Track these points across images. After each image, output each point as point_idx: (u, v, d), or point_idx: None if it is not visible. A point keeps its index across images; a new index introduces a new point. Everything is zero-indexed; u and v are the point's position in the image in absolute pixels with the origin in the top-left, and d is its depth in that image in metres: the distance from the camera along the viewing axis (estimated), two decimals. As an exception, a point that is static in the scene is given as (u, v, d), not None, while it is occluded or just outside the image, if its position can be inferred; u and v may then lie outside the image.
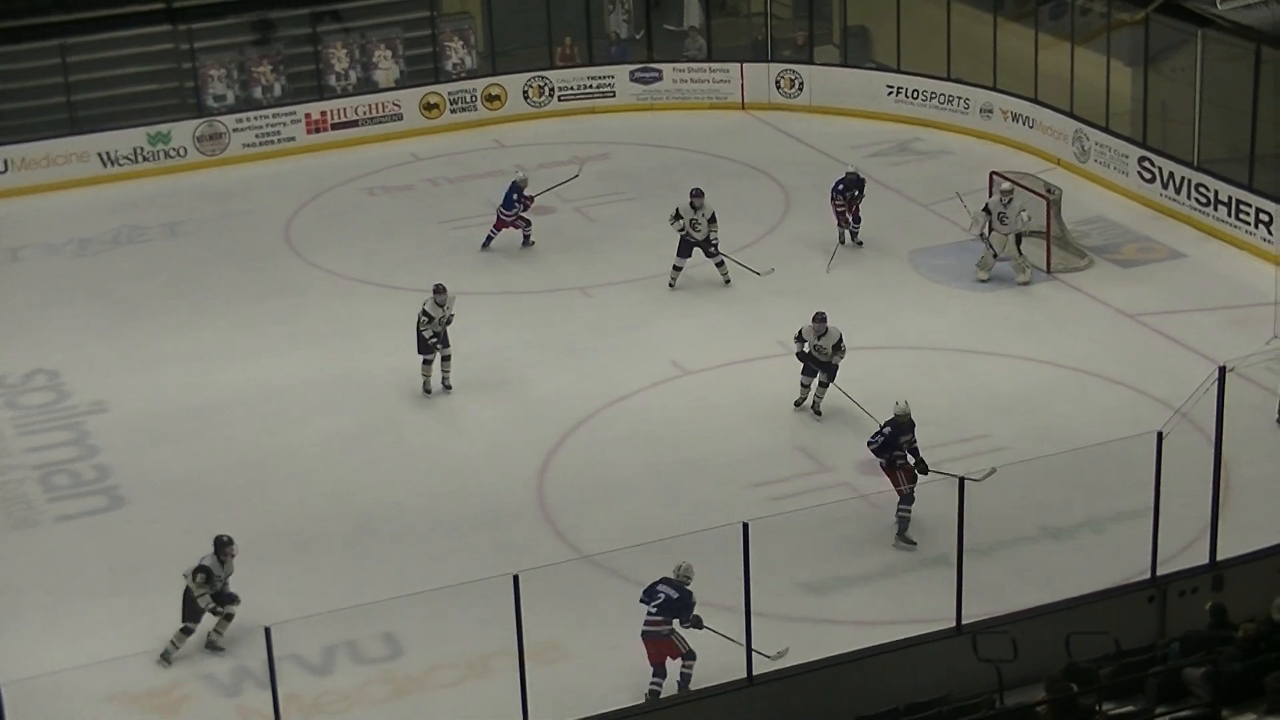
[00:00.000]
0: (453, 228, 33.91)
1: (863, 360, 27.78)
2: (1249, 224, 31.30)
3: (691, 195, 30.62)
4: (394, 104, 39.17)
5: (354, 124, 38.88)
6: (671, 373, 27.89)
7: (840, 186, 31.71)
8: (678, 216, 30.59)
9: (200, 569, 21.25)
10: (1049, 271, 30.74)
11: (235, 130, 38.13)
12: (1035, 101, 36.31)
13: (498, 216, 32.48)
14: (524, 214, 32.45)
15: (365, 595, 20.91)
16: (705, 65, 40.52)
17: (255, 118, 38.41)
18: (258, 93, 39.24)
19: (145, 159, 37.51)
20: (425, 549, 23.28)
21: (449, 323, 27.15)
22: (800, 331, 26.22)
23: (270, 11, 39.98)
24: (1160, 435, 19.98)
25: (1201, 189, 32.34)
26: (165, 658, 21.29)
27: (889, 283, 30.76)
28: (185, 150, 37.74)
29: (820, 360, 26.17)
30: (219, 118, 38.23)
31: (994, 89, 37.23)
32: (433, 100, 39.44)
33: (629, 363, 28.18)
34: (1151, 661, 18.79)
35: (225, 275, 32.26)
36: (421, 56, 40.40)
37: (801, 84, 39.73)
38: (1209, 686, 17.97)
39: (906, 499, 23.11)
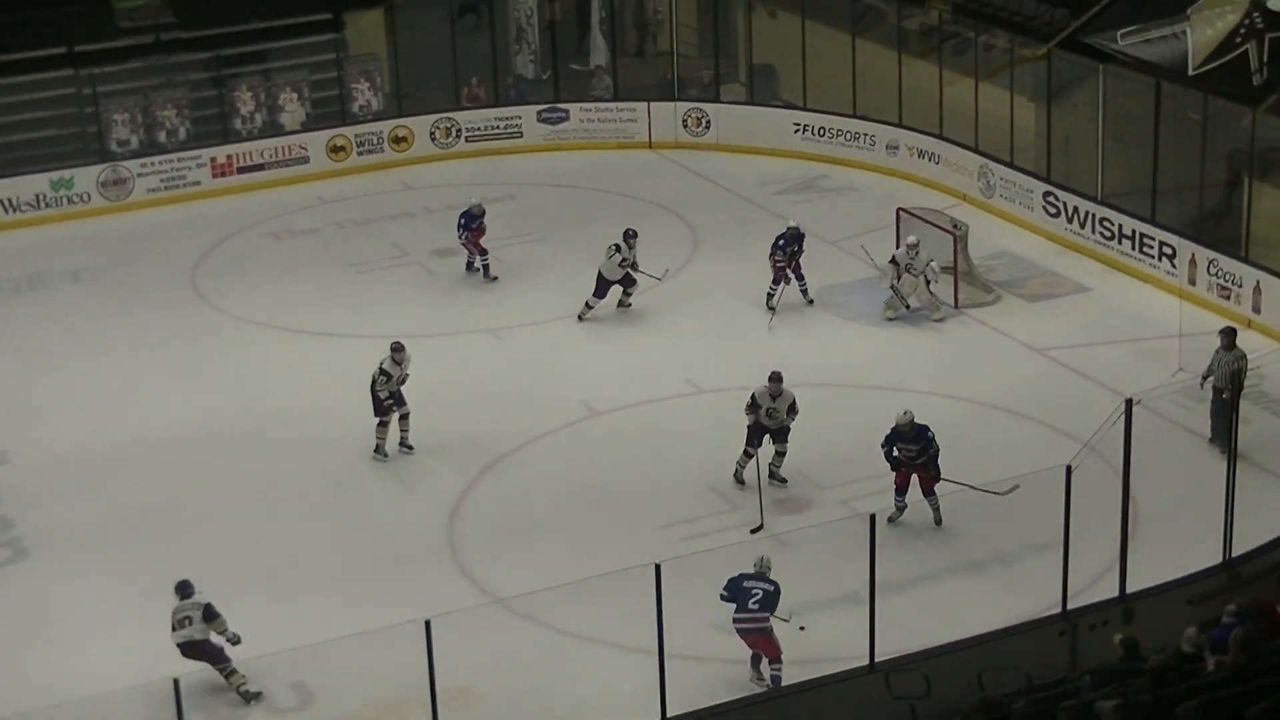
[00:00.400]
0: (360, 271, 33.77)
1: (772, 398, 27.91)
2: (1152, 257, 31.55)
3: (628, 235, 30.90)
4: (300, 146, 39.02)
5: (260, 167, 38.70)
6: (582, 414, 27.83)
7: (780, 242, 31.00)
8: (618, 251, 30.79)
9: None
10: (956, 306, 30.89)
11: (139, 175, 37.87)
12: (940, 137, 36.53)
13: (466, 242, 32.82)
14: (475, 242, 32.73)
15: (274, 643, 20.70)
16: (612, 105, 40.58)
17: (160, 162, 38.16)
18: (162, 137, 39.03)
19: (48, 205, 37.20)
20: (335, 594, 23.09)
21: (404, 382, 26.79)
22: (753, 397, 25.02)
23: (174, 55, 39.81)
24: (1069, 469, 20.10)
25: (1105, 223, 32.59)
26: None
27: (797, 319, 30.80)
28: (89, 196, 37.45)
29: (771, 427, 25.19)
30: (123, 162, 37.97)
31: (900, 125, 37.43)
32: (339, 142, 39.31)
33: (539, 404, 28.10)
34: (1063, 695, 18.81)
35: (130, 321, 31.99)
36: (328, 99, 40.29)
37: (708, 122, 39.84)
38: (1121, 718, 18.02)
39: (927, 494, 23.85)
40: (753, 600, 20.59)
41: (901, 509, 24.10)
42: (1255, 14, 32.57)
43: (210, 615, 21.09)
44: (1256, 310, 29.39)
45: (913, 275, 30.44)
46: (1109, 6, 35.84)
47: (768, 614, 20.50)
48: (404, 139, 39.81)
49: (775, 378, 25.07)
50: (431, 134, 39.98)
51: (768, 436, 25.16)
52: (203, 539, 24.68)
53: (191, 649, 21.14)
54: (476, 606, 22.15)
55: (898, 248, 31.04)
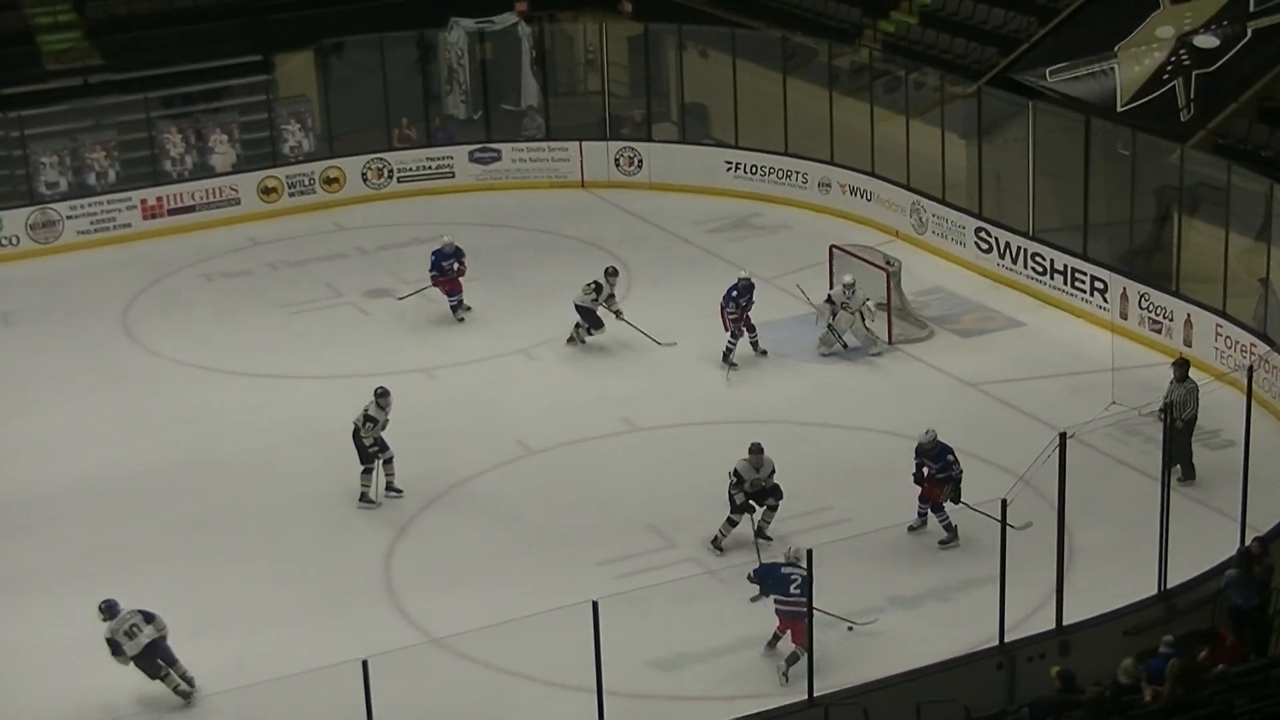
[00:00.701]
0: (293, 312, 33.65)
1: (704, 433, 27.92)
2: (1084, 292, 31.74)
3: (609, 273, 31.21)
4: (231, 188, 38.89)
5: (191, 209, 38.54)
6: (518, 452, 27.78)
7: (733, 294, 30.48)
8: (595, 290, 30.94)
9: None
10: (890, 342, 30.97)
11: (69, 218, 37.65)
12: (872, 175, 36.69)
13: (439, 281, 32.61)
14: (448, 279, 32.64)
15: (213, 685, 20.59)
16: (544, 144, 40.61)
17: (89, 204, 37.97)
18: (91, 179, 38.88)
19: (-24, 248, 37.02)
20: (273, 635, 22.96)
21: (385, 427, 26.58)
22: (736, 473, 24.40)
23: (103, 97, 39.66)
24: (1004, 503, 20.18)
25: (1037, 258, 32.77)
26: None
27: (735, 360, 30.81)
28: (17, 239, 37.21)
29: (756, 492, 24.62)
30: (52, 205, 37.74)
31: (831, 163, 37.58)
32: (271, 184, 39.20)
33: (475, 443, 28.03)
34: (1002, 728, 18.91)
35: (61, 365, 31.77)
36: (259, 140, 40.21)
37: (641, 161, 39.90)
38: (1058, 751, 18.10)
39: (936, 509, 24.36)
40: (794, 586, 21.12)
41: (923, 518, 24.57)
42: (1182, 51, 32.96)
43: (150, 616, 21.46)
44: (1188, 344, 29.59)
45: (849, 313, 30.54)
46: (1037, 44, 36.24)
47: (806, 598, 20.58)
48: (336, 180, 39.73)
49: (756, 449, 24.61)
50: (363, 174, 39.91)
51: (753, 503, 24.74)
52: (139, 581, 24.41)
53: (151, 652, 21.33)
54: (413, 646, 22.02)
55: (832, 286, 31.13)
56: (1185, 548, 22.02)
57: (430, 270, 32.50)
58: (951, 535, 24.37)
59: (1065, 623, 21.03)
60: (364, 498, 26.38)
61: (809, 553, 19.35)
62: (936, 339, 31.35)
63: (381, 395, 26.58)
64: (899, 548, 23.84)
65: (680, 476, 26.69)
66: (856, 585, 23.04)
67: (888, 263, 31.78)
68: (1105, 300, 31.22)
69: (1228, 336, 28.88)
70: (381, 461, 26.47)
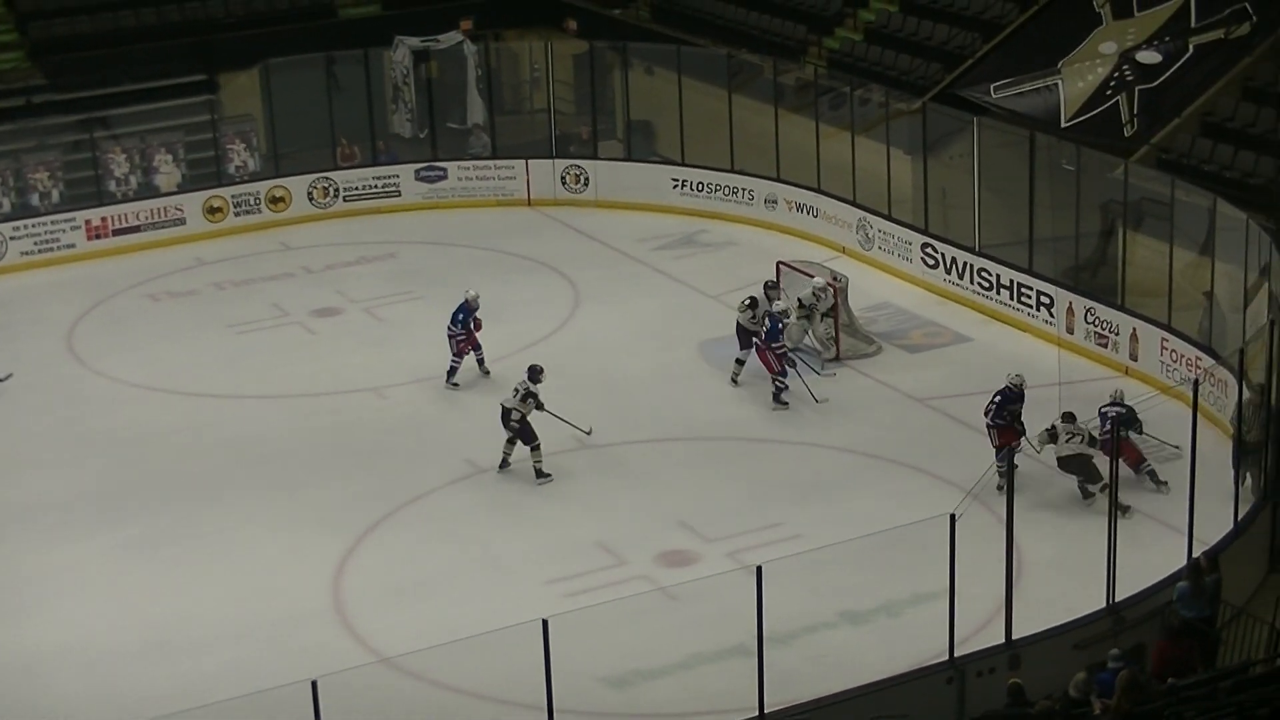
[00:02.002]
0: (239, 332, 33.52)
1: (657, 451, 27.93)
2: (1030, 306, 31.86)
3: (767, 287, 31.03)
4: (176, 208, 38.72)
5: (136, 229, 38.35)
6: (466, 470, 27.73)
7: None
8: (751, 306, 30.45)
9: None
10: (838, 358, 31.03)
11: (12, 238, 37.44)
12: (819, 191, 36.76)
13: (453, 341, 30.66)
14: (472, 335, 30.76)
15: (162, 707, 20.45)
16: (490, 162, 40.58)
17: (33, 225, 37.75)
18: (35, 199, 38.67)
19: (-79, 269, 36.80)
20: (220, 658, 22.84)
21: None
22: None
23: (46, 117, 39.49)
24: (953, 517, 20.23)
25: (984, 273, 32.88)
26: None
27: (679, 374, 30.83)
28: (-39, 260, 37.06)
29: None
30: (-5, 226, 37.59)
31: (778, 180, 37.65)
32: (216, 203, 39.05)
33: (424, 462, 27.97)
34: (952, 742, 18.95)
35: (5, 386, 31.56)
36: (204, 159, 40.08)
37: (587, 179, 39.91)
38: (1010, 765, 18.15)
39: (1003, 456, 24.69)
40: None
41: (1003, 473, 24.39)
42: (1125, 66, 33.16)
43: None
44: (1134, 358, 29.73)
45: (817, 317, 30.79)
46: (982, 60, 36.40)
47: None
48: (281, 199, 39.62)
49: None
50: (309, 194, 39.81)
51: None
52: (86, 604, 24.36)
53: None
54: (363, 665, 21.97)
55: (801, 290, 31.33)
56: (1133, 560, 22.14)
57: (459, 327, 30.62)
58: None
59: (1015, 636, 21.09)
60: (539, 473, 27.17)
61: (758, 569, 19.33)
62: (884, 355, 31.42)
63: (537, 373, 27.29)
64: (850, 563, 23.84)
65: (630, 494, 26.69)
66: (807, 601, 23.07)
67: (835, 279, 31.85)
68: (1051, 315, 31.35)
69: (1173, 350, 29.02)
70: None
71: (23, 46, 41.77)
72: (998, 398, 26.48)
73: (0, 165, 38.62)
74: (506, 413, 27.19)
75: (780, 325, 29.44)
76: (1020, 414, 26.28)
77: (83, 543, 26.04)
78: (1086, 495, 25.34)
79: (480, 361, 30.84)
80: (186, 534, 26.16)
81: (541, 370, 27.73)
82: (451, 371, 30.61)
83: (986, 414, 26.61)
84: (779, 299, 30.45)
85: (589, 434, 28.20)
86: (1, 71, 40.81)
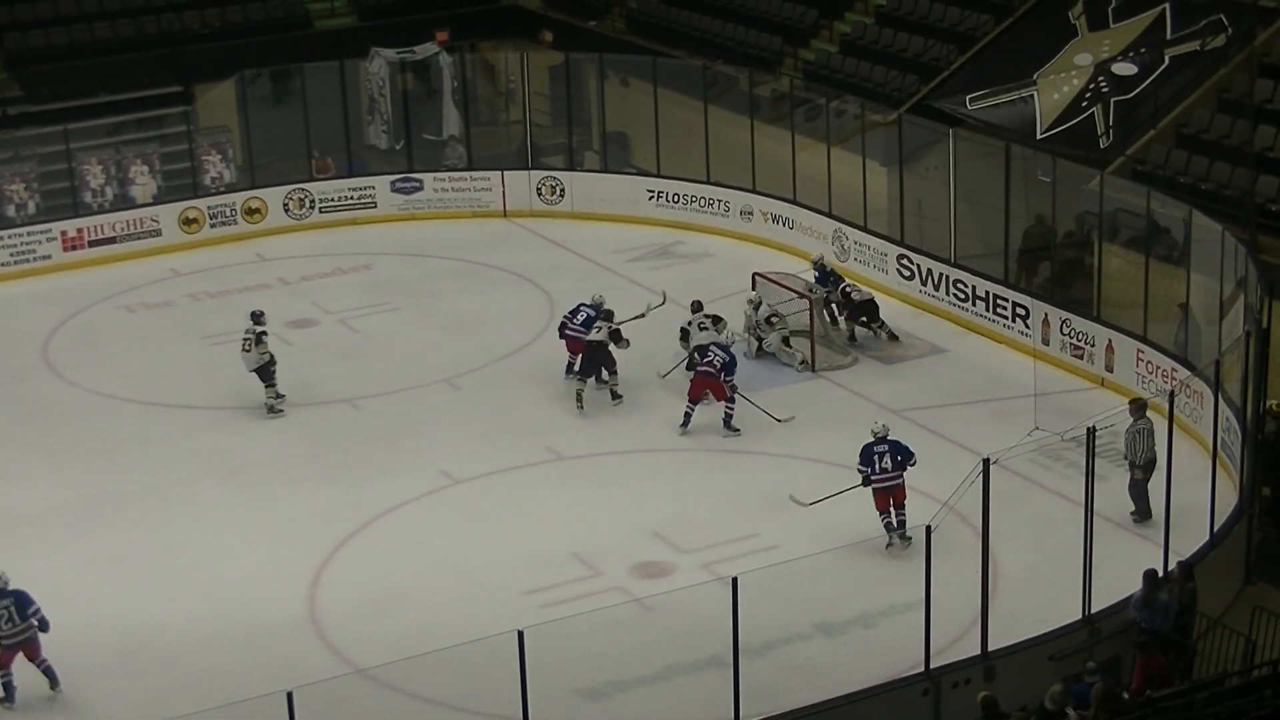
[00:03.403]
0: (215, 343, 33.41)
1: (631, 463, 27.91)
2: (1006, 318, 31.88)
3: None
4: (152, 219, 38.63)
5: (112, 240, 38.27)
6: (441, 482, 27.69)
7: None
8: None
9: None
10: (814, 370, 31.04)
11: (-12, 250, 37.42)
12: (794, 202, 36.78)
13: (569, 338, 30.68)
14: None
15: (135, 718, 20.42)
16: (466, 174, 40.54)
17: (9, 236, 37.64)
18: (11, 210, 38.57)
19: (-105, 280, 36.66)
20: (193, 670, 22.78)
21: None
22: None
23: (21, 129, 39.41)
24: (929, 529, 20.24)
25: (959, 285, 32.92)
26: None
27: (654, 384, 30.79)
28: (-63, 271, 36.94)
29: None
30: (-29, 237, 37.48)
31: (754, 191, 37.67)
32: (192, 215, 38.97)
33: (399, 473, 27.92)
34: (928, 754, 18.94)
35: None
36: (179, 171, 40.01)
37: (563, 190, 39.90)
38: (985, 776, 18.14)
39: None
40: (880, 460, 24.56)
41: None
42: (1100, 78, 33.26)
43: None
44: (1109, 369, 29.77)
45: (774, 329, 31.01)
46: (957, 72, 36.47)
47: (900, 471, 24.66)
48: (257, 210, 39.56)
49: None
50: (285, 205, 39.75)
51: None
52: (59, 615, 24.18)
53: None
54: (339, 677, 21.92)
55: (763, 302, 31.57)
56: (1109, 572, 22.16)
57: (584, 328, 30.40)
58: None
59: (990, 648, 21.10)
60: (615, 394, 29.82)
61: (734, 580, 19.32)
62: (860, 366, 31.42)
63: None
64: (825, 575, 23.86)
65: (605, 505, 26.67)
66: (782, 612, 23.06)
67: (810, 290, 31.87)
68: (1027, 326, 31.39)
69: (1149, 362, 29.07)
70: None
71: (-2, 58, 41.74)
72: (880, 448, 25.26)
73: (-26, 177, 38.60)
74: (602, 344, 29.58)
75: (733, 358, 29.18)
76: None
77: (55, 554, 25.93)
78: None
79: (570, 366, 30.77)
80: (159, 545, 26.08)
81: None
82: (569, 367, 30.69)
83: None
84: (724, 331, 30.45)
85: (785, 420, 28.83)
86: (-25, 83, 40.79)
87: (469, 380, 31.24)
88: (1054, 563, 23.81)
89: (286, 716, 17.18)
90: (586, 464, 28.04)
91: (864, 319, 32.30)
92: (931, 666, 20.79)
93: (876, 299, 32.55)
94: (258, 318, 30.01)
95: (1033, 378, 29.12)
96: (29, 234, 37.84)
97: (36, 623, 22.12)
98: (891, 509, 24.83)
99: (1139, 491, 25.26)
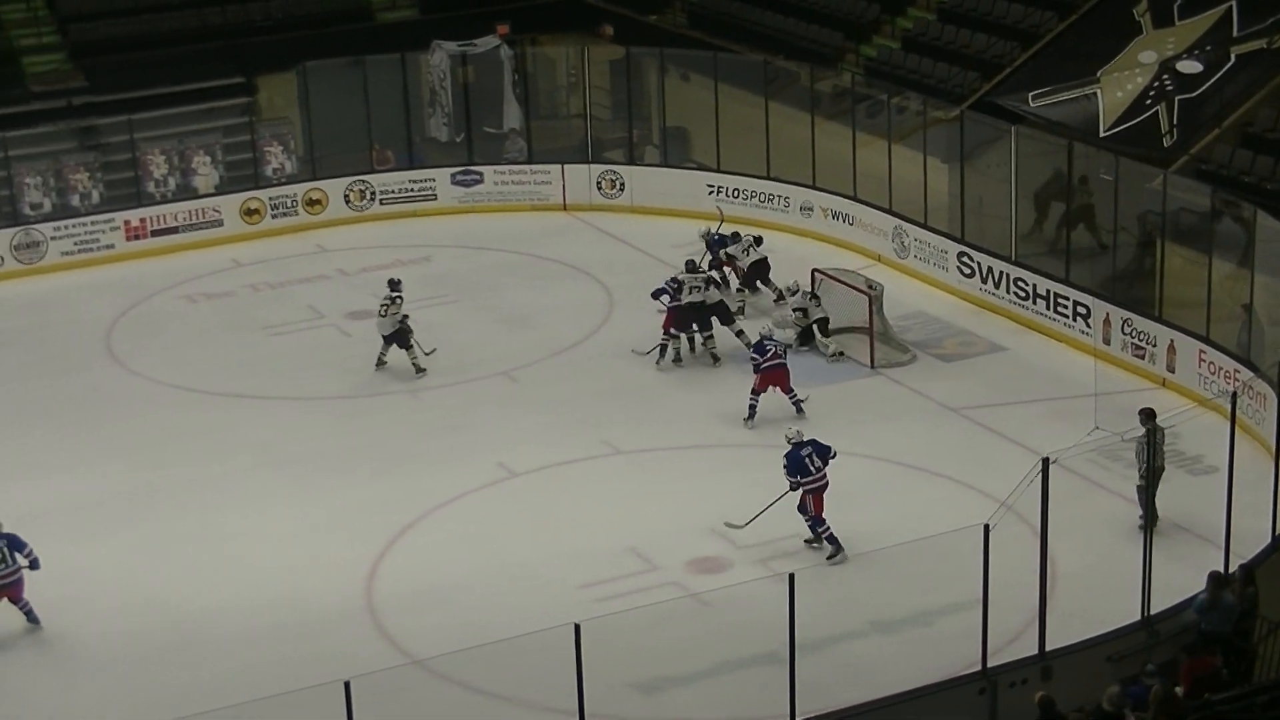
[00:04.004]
0: (274, 334, 33.60)
1: (689, 458, 27.89)
2: (1067, 316, 31.75)
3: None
4: (214, 209, 38.81)
5: (174, 230, 38.47)
6: (499, 475, 27.73)
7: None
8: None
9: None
10: (873, 367, 30.97)
11: (53, 238, 37.59)
12: (854, 199, 36.69)
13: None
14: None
15: (186, 709, 20.43)
16: (526, 167, 40.60)
17: (73, 225, 37.90)
18: (75, 200, 38.81)
19: (-40, 269, 36.94)
20: (248, 658, 22.88)
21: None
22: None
23: (86, 118, 39.63)
24: (987, 528, 20.14)
25: (1020, 283, 32.78)
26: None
27: (713, 379, 30.77)
28: (1, 259, 37.11)
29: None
30: (35, 226, 37.68)
31: (813, 187, 37.59)
32: (253, 205, 39.14)
33: (456, 465, 27.97)
34: (984, 753, 18.88)
35: (42, 386, 31.70)
36: (241, 162, 40.17)
37: (623, 184, 39.90)
38: (1041, 776, 18.06)
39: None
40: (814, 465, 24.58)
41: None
42: (1165, 76, 33.05)
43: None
44: (1171, 369, 29.61)
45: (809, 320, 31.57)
46: (1020, 69, 36.30)
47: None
48: (318, 201, 39.69)
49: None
50: (345, 196, 39.87)
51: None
52: (114, 602, 24.43)
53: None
54: (395, 667, 21.98)
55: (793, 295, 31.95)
56: (1168, 573, 22.01)
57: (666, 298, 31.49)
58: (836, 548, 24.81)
59: (1048, 648, 21.00)
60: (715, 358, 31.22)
61: (790, 576, 19.27)
62: (918, 364, 31.34)
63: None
64: (881, 572, 23.80)
65: (662, 499, 26.66)
66: (838, 609, 23.02)
67: (870, 287, 31.80)
68: (1088, 325, 31.24)
69: (1211, 362, 28.89)
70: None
71: (64, 48, 41.91)
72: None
73: (41, 166, 38.78)
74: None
75: (767, 344, 29.23)
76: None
77: (113, 541, 26.12)
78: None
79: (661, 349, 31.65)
80: (217, 534, 26.21)
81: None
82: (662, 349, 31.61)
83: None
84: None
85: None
86: (43, 73, 40.96)
87: (527, 373, 31.29)
88: (1113, 563, 23.72)
89: (343, 706, 17.23)
90: (644, 458, 28.05)
91: (758, 280, 33.53)
92: (988, 666, 20.69)
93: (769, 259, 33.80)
94: (395, 285, 31.47)
95: (1093, 377, 28.99)
96: (92, 223, 38.08)
97: (29, 563, 22.96)
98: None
99: (1146, 499, 25.03)
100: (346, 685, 17.18)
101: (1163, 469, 24.93)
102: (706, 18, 44.10)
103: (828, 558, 24.69)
